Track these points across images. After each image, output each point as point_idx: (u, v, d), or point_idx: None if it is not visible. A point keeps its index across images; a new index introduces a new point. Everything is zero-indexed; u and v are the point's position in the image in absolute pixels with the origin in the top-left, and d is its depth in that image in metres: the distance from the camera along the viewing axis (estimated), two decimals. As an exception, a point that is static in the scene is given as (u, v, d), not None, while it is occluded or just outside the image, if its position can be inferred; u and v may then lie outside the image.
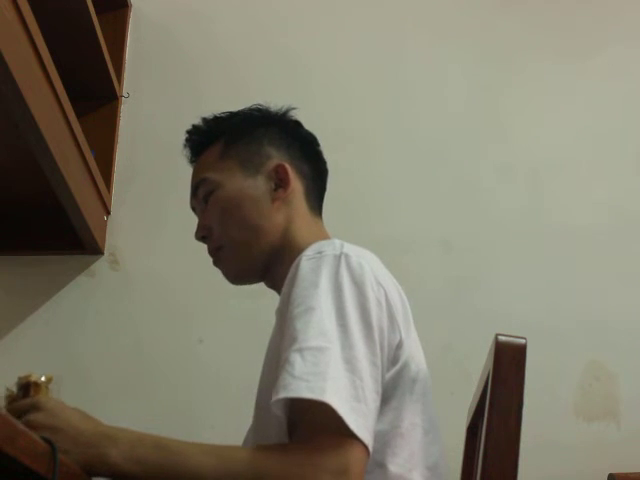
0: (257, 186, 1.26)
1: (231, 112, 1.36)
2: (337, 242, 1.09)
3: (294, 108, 1.36)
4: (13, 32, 1.43)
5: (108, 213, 2.27)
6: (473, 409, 1.32)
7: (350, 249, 1.07)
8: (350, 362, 0.96)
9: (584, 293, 2.23)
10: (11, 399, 0.98)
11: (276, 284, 1.26)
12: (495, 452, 0.97)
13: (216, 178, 1.27)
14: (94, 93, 2.29)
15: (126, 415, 2.10)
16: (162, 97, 2.41)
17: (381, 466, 1.03)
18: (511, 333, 1.03)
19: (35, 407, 0.99)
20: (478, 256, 2.26)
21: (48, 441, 0.87)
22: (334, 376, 0.94)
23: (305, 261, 1.06)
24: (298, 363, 0.95)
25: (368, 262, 1.07)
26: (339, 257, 1.05)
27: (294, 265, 1.08)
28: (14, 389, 0.97)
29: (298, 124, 1.36)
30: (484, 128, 2.40)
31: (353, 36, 2.48)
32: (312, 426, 0.93)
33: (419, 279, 2.16)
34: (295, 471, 0.91)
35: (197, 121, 1.37)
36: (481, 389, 1.18)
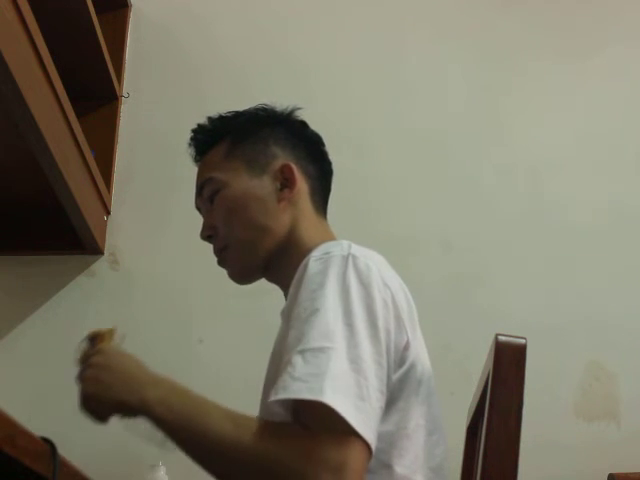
0: (263, 186, 1.26)
1: (236, 111, 1.35)
2: (345, 243, 1.09)
3: (299, 108, 1.35)
4: (13, 32, 1.43)
5: (108, 213, 2.27)
6: (473, 409, 1.32)
7: (357, 250, 1.08)
8: (355, 361, 0.96)
9: (584, 293, 2.23)
10: (82, 351, 1.13)
11: (281, 282, 1.26)
12: (495, 452, 0.97)
13: (222, 178, 1.27)
14: (94, 93, 2.29)
15: (126, 415, 2.10)
16: (162, 97, 2.41)
17: (387, 467, 1.03)
18: (511, 333, 1.03)
19: (97, 352, 1.11)
20: (478, 256, 2.27)
21: (48, 441, 0.87)
22: (336, 376, 0.94)
23: (313, 262, 1.06)
24: (299, 364, 0.95)
25: (375, 263, 1.07)
26: (347, 258, 1.05)
27: (302, 266, 1.08)
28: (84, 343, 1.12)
29: (304, 124, 1.35)
30: (484, 128, 2.40)
31: (353, 36, 2.48)
32: (313, 425, 0.93)
33: (419, 279, 2.16)
34: (296, 464, 0.91)
35: (197, 121, 1.36)
36: (481, 389, 1.18)
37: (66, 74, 1.76)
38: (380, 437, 1.00)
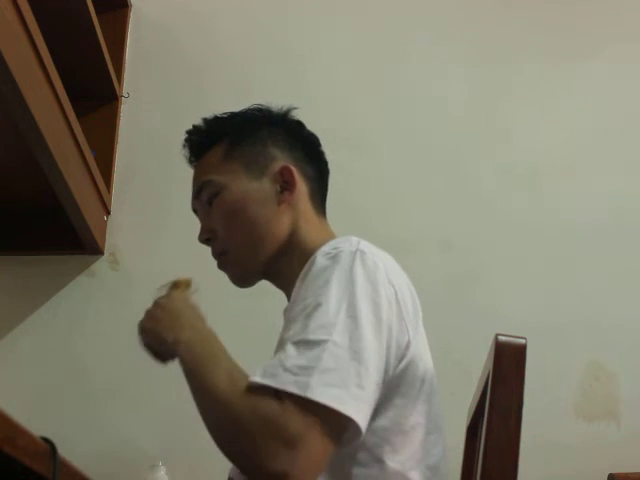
0: (263, 189, 1.25)
1: (232, 112, 1.34)
2: (354, 239, 1.10)
3: (295, 108, 1.35)
4: (13, 32, 1.43)
5: (108, 213, 2.27)
6: (473, 409, 1.32)
7: (366, 246, 1.08)
8: (358, 352, 0.97)
9: (584, 293, 2.23)
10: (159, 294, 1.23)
11: (283, 284, 1.26)
12: (495, 452, 0.97)
13: (220, 180, 1.26)
14: (94, 93, 2.29)
15: (126, 415, 2.10)
16: (162, 97, 2.41)
17: (379, 461, 1.04)
18: (511, 333, 1.03)
19: (166, 295, 1.19)
20: (478, 256, 2.27)
21: (48, 441, 0.87)
22: (328, 369, 0.94)
23: (320, 257, 1.07)
24: (292, 355, 0.96)
25: (382, 260, 1.08)
26: (354, 253, 1.06)
27: (310, 262, 1.08)
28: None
29: (301, 125, 1.34)
30: (484, 128, 2.40)
31: (354, 36, 2.48)
32: (294, 417, 0.93)
33: (419, 279, 2.13)
34: (255, 432, 0.93)
35: (197, 121, 1.35)
36: (481, 389, 1.18)
37: (66, 74, 1.76)
38: (374, 431, 1.02)
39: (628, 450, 2.07)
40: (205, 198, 1.28)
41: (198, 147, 1.32)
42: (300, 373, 0.94)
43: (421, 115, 2.40)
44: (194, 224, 1.33)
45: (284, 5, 2.51)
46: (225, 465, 1.05)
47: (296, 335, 0.99)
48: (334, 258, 1.05)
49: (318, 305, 1.00)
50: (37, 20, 1.53)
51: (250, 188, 1.25)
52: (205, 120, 1.34)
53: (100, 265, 2.25)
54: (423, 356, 1.11)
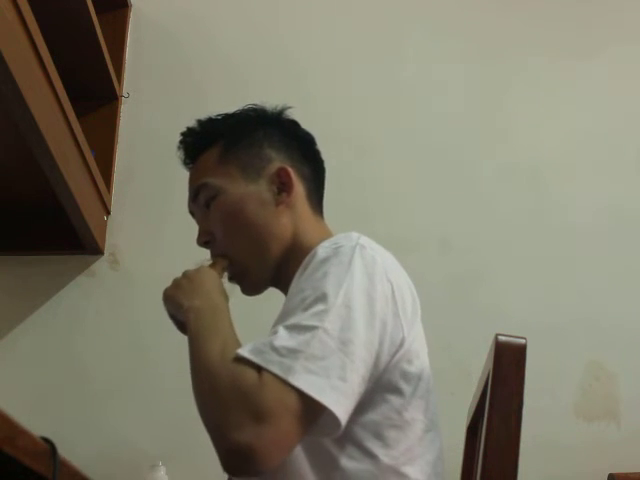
0: (260, 191, 1.25)
1: (227, 114, 1.33)
2: (354, 235, 1.10)
3: (289, 107, 1.34)
4: (13, 32, 1.43)
5: (108, 213, 2.27)
6: (473, 409, 1.32)
7: (366, 241, 1.09)
8: (346, 343, 0.97)
9: (584, 293, 2.23)
10: None
11: (284, 286, 1.25)
12: (495, 452, 0.97)
13: (217, 183, 1.25)
14: (94, 93, 2.29)
15: (126, 415, 2.10)
16: (162, 97, 2.41)
17: (372, 456, 1.04)
18: (511, 333, 1.03)
19: (196, 268, 1.22)
20: (478, 256, 2.27)
21: (48, 441, 0.87)
22: (314, 356, 0.94)
23: (321, 250, 1.07)
24: (283, 336, 0.97)
25: (381, 256, 1.09)
26: (354, 247, 1.06)
27: (310, 255, 1.09)
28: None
29: (296, 124, 1.34)
30: (484, 128, 2.40)
31: (353, 36, 2.48)
32: (272, 397, 0.93)
33: (419, 278, 2.13)
34: (228, 402, 0.93)
35: (194, 123, 1.35)
36: (481, 389, 1.18)
37: (66, 74, 1.76)
38: (364, 425, 1.03)
39: (628, 450, 2.07)
40: (202, 201, 1.27)
41: (193, 149, 1.32)
42: (286, 355, 0.94)
43: (421, 115, 2.40)
44: (194, 224, 1.33)
45: (284, 5, 2.51)
46: (225, 465, 1.05)
47: (288, 320, 0.99)
48: (334, 252, 1.06)
49: (315, 297, 1.00)
50: (37, 20, 1.53)
51: (247, 191, 1.25)
52: (200, 122, 1.33)
53: (100, 265, 2.25)
54: (420, 354, 1.11)
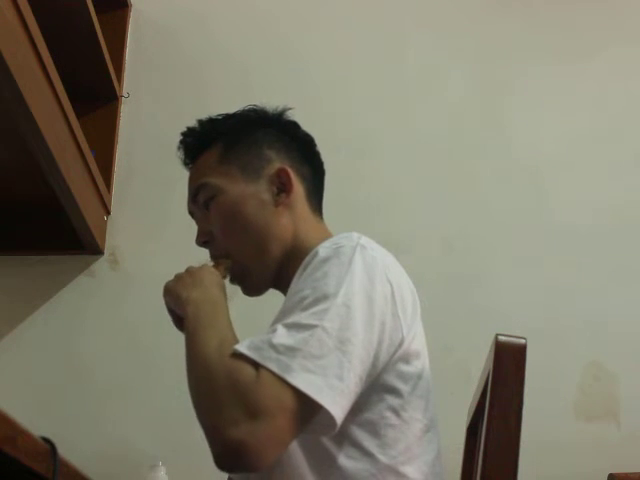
0: (259, 191, 1.25)
1: (227, 114, 1.34)
2: (355, 235, 1.10)
3: (290, 108, 1.34)
4: (13, 32, 1.43)
5: (108, 213, 2.27)
6: (473, 409, 1.32)
7: (367, 242, 1.09)
8: (344, 343, 0.97)
9: (584, 293, 2.23)
10: None
11: (284, 287, 1.25)
12: (495, 452, 0.97)
13: (217, 183, 1.26)
14: (94, 93, 2.29)
15: (126, 415, 2.10)
16: (162, 97, 2.41)
17: (369, 455, 1.04)
18: (511, 333, 1.03)
19: (201, 266, 1.22)
20: (478, 256, 2.27)
21: (48, 441, 0.87)
22: (312, 354, 0.94)
23: (322, 249, 1.07)
24: (281, 333, 0.97)
25: (381, 256, 1.09)
26: (355, 247, 1.06)
27: (311, 254, 1.09)
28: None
29: (296, 125, 1.34)
30: (484, 128, 2.40)
31: (354, 35, 2.48)
32: (267, 395, 0.93)
33: (419, 279, 2.14)
34: (222, 398, 0.93)
35: (194, 123, 1.35)
36: (481, 389, 1.18)
37: (66, 74, 1.76)
38: (361, 424, 1.03)
39: (628, 450, 2.07)
40: (201, 201, 1.28)
41: (193, 149, 1.32)
42: (284, 353, 0.94)
43: (421, 115, 2.40)
44: (194, 224, 1.33)
45: (284, 5, 2.51)
46: (225, 465, 1.05)
47: (286, 318, 0.99)
48: (335, 252, 1.06)
49: (315, 297, 1.00)
50: (37, 20, 1.53)
51: (247, 191, 1.25)
52: (200, 122, 1.33)
53: (100, 265, 2.25)
54: (420, 354, 1.11)
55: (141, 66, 2.44)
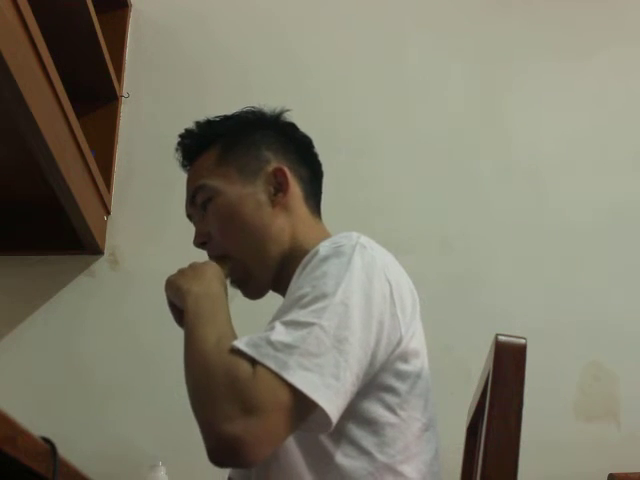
0: (257, 192, 1.25)
1: (225, 116, 1.34)
2: (354, 234, 1.10)
3: (288, 110, 1.34)
4: (13, 32, 1.43)
5: (108, 213, 2.27)
6: (473, 409, 1.32)
7: (366, 241, 1.09)
8: (341, 342, 0.97)
9: (584, 293, 2.23)
10: None
11: (283, 289, 1.25)
12: (495, 452, 0.97)
13: (215, 184, 1.26)
14: (94, 93, 2.29)
15: (126, 415, 2.10)
16: (162, 97, 2.41)
17: (368, 454, 1.04)
18: (511, 333, 1.03)
19: (205, 261, 1.23)
20: (478, 256, 2.27)
21: (48, 441, 0.87)
22: (309, 352, 0.95)
23: (322, 249, 1.07)
24: (279, 331, 0.97)
25: (380, 256, 1.09)
26: (354, 247, 1.06)
27: (311, 253, 1.09)
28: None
29: (294, 126, 1.34)
30: (484, 128, 2.40)
31: (354, 36, 2.48)
32: (265, 391, 0.93)
33: (419, 279, 2.14)
34: (218, 394, 0.94)
35: (192, 124, 1.35)
36: (481, 389, 1.18)
37: (66, 74, 1.76)
38: (359, 423, 1.03)
39: (628, 450, 2.07)
40: (199, 203, 1.28)
41: (191, 151, 1.32)
42: (282, 350, 0.95)
43: (421, 114, 2.40)
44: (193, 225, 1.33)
45: (284, 5, 2.51)
46: (225, 465, 1.05)
47: (285, 316, 1.00)
48: (334, 251, 1.06)
49: (314, 295, 1.00)
50: (37, 20, 1.53)
51: (244, 192, 1.25)
52: (198, 124, 1.33)
53: (100, 265, 2.25)
54: (419, 353, 1.11)
55: (141, 66, 2.44)
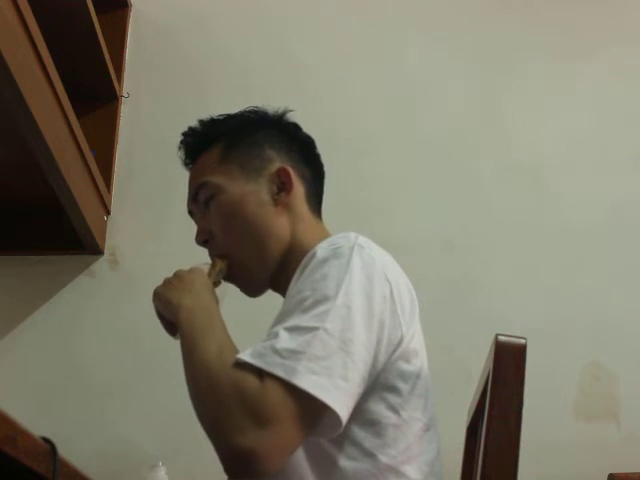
0: (259, 190, 1.25)
1: (228, 114, 1.34)
2: (352, 235, 1.10)
3: (291, 110, 1.34)
4: (13, 32, 1.43)
5: (108, 213, 2.27)
6: (473, 409, 1.32)
7: (364, 242, 1.09)
8: (347, 343, 0.98)
9: (584, 293, 2.23)
10: None
11: (283, 288, 1.25)
12: (495, 452, 0.97)
13: (217, 182, 1.26)
14: (94, 93, 2.29)
15: (126, 415, 2.10)
16: (162, 97, 2.41)
17: (371, 455, 1.04)
18: (511, 333, 1.03)
19: (189, 269, 1.22)
20: (478, 256, 2.27)
21: (48, 441, 0.87)
22: (316, 356, 0.95)
23: (320, 251, 1.07)
24: (284, 338, 0.97)
25: (379, 256, 1.09)
26: (352, 248, 1.06)
27: (309, 255, 1.09)
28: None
29: (297, 127, 1.35)
30: (484, 128, 2.40)
31: (354, 36, 2.48)
32: (277, 401, 0.94)
33: (420, 280, 2.14)
34: (231, 407, 0.94)
35: (195, 123, 1.35)
36: (481, 389, 1.18)
37: (66, 74, 1.76)
38: (362, 424, 1.03)
39: (628, 450, 2.07)
40: (202, 200, 1.28)
41: (194, 149, 1.32)
42: (288, 357, 0.95)
43: (421, 115, 2.40)
44: (194, 224, 1.33)
45: (284, 5, 2.51)
46: (225, 465, 1.05)
47: (287, 321, 0.99)
48: (333, 252, 1.06)
49: (315, 299, 1.00)
50: (37, 20, 1.53)
51: (247, 190, 1.25)
52: (201, 122, 1.34)
53: (100, 265, 2.25)
54: (419, 352, 1.11)
55: (141, 66, 2.44)
